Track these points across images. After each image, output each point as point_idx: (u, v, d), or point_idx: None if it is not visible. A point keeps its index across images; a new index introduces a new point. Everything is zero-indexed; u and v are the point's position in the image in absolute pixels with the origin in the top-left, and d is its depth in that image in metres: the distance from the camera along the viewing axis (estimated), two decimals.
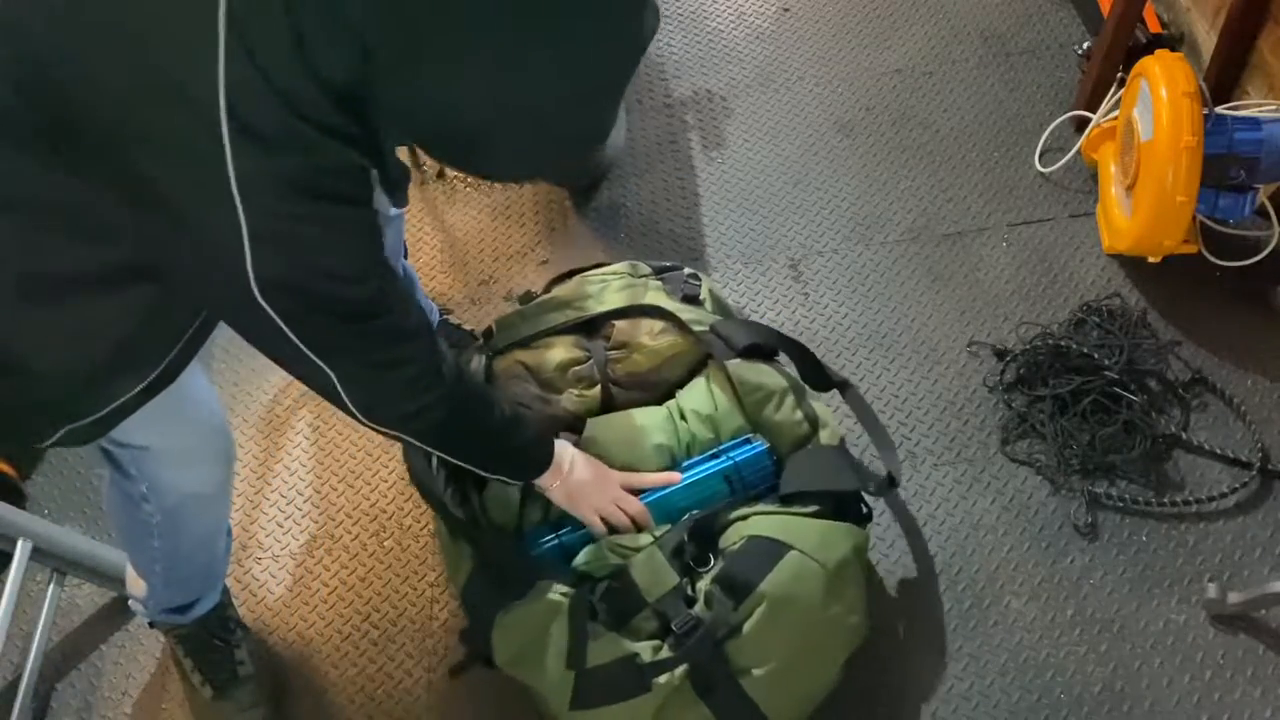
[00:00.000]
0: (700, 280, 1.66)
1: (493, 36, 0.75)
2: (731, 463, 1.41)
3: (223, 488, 1.38)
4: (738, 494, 1.41)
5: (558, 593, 1.32)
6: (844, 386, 1.58)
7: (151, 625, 1.59)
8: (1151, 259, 1.81)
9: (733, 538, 1.33)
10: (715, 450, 1.44)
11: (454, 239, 2.18)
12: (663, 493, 1.40)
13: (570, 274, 1.72)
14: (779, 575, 1.28)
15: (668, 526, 1.36)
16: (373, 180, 0.91)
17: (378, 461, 1.87)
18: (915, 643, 1.55)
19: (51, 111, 0.80)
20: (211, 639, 1.56)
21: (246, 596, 1.74)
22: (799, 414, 1.43)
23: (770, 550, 1.30)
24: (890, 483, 1.50)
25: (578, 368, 1.53)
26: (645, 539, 1.35)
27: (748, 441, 1.43)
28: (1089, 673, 1.50)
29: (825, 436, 1.42)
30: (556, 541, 1.39)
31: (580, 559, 1.36)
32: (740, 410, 1.47)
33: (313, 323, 0.93)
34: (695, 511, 1.37)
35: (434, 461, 1.44)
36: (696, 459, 1.43)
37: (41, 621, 1.60)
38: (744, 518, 1.35)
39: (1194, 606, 1.54)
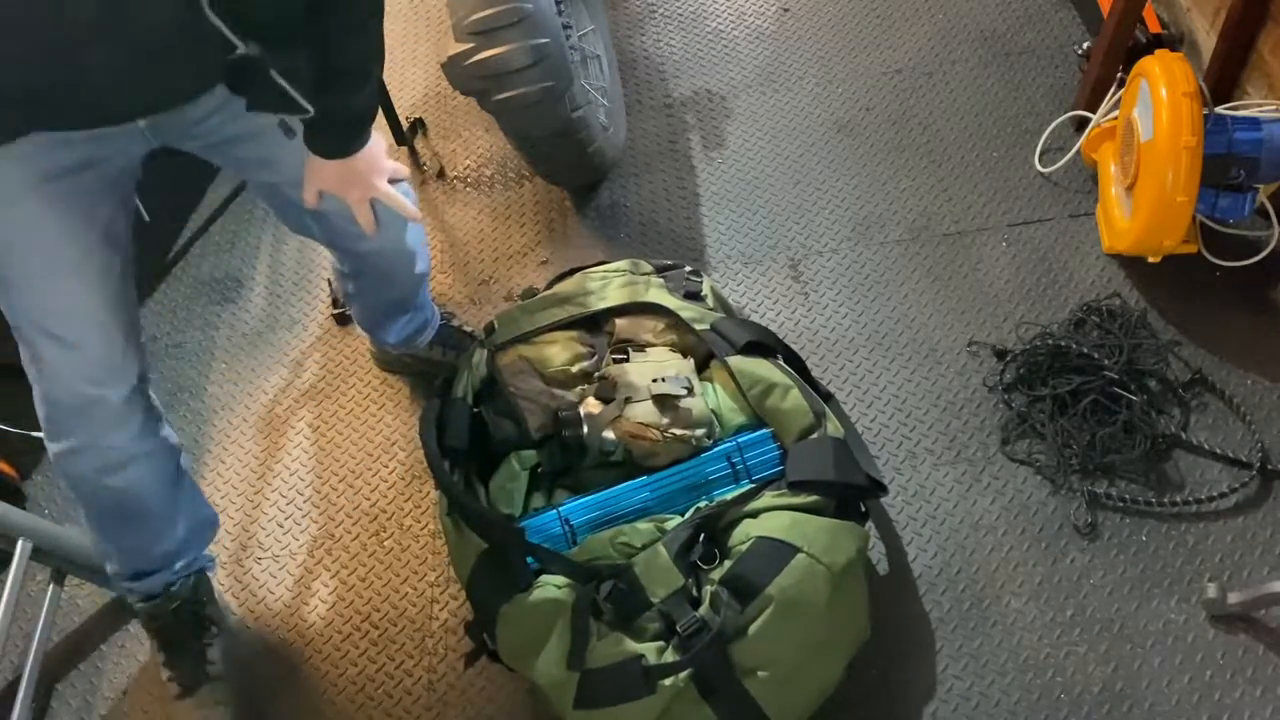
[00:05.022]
0: (701, 277, 1.67)
1: None
2: (734, 443, 1.41)
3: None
4: (740, 476, 1.41)
5: (562, 589, 1.32)
6: (828, 398, 1.58)
7: (134, 614, 1.58)
8: (1151, 259, 1.81)
9: (740, 537, 1.33)
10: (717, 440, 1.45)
11: (454, 239, 2.18)
12: (666, 473, 1.40)
13: (571, 272, 1.72)
14: (786, 578, 1.28)
15: (677, 519, 1.36)
16: None
17: (378, 461, 1.87)
18: (915, 643, 1.55)
19: None
20: (185, 632, 1.56)
21: (246, 596, 1.74)
22: (804, 404, 1.43)
23: (778, 553, 1.29)
24: (879, 487, 1.49)
25: (583, 363, 1.53)
26: (650, 536, 1.34)
27: (751, 429, 1.44)
28: (1089, 673, 1.51)
29: (831, 429, 1.42)
30: (555, 514, 1.40)
31: (582, 552, 1.36)
32: (743, 405, 1.47)
33: None
34: (701, 505, 1.37)
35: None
36: None
37: (41, 621, 1.60)
38: (752, 514, 1.35)
39: (1194, 606, 1.54)
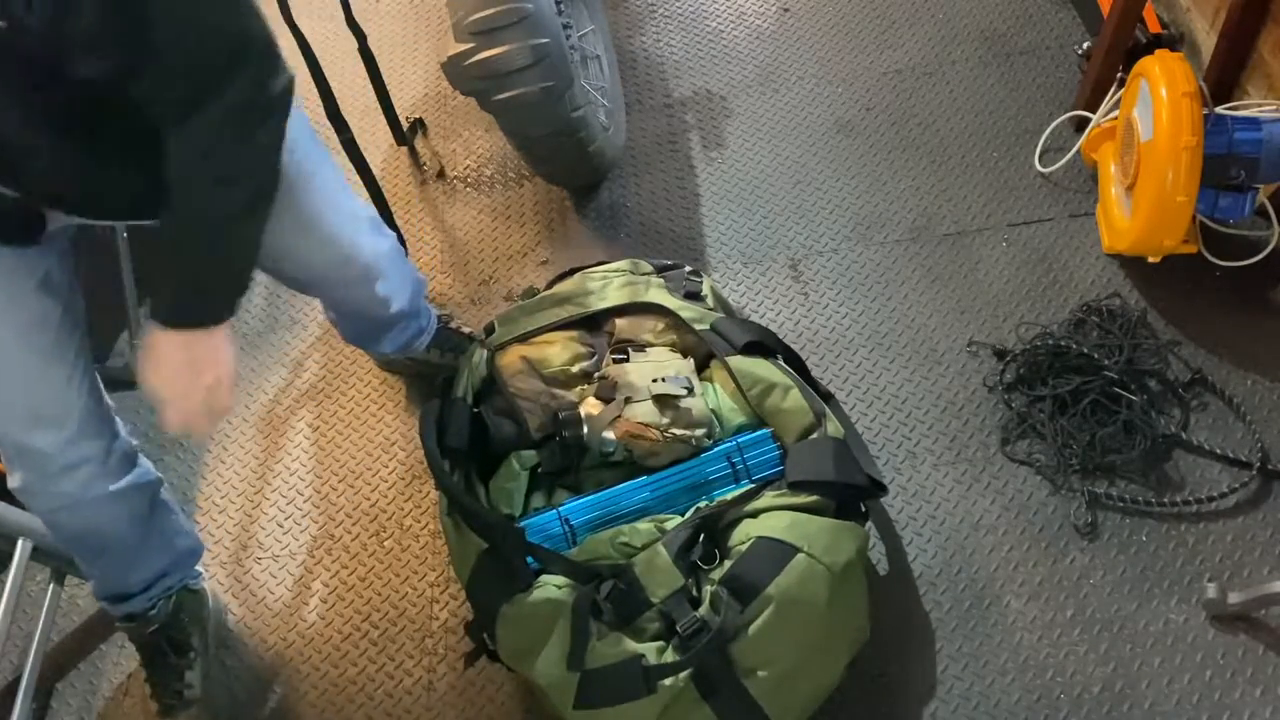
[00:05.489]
0: (701, 277, 1.67)
1: None
2: (734, 443, 1.41)
3: None
4: (740, 476, 1.41)
5: (562, 589, 1.32)
6: (828, 398, 1.58)
7: (118, 627, 1.58)
8: (1151, 259, 1.81)
9: (740, 537, 1.33)
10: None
11: (454, 239, 2.18)
12: (666, 473, 1.40)
13: (571, 272, 1.72)
14: (786, 578, 1.28)
15: (677, 519, 1.36)
16: None
17: (378, 461, 1.87)
18: (915, 643, 1.55)
19: None
20: (163, 654, 1.55)
21: (246, 596, 1.74)
22: (804, 403, 1.43)
23: (778, 553, 1.29)
24: (879, 487, 1.49)
25: (583, 363, 1.53)
26: (650, 536, 1.34)
27: (751, 429, 1.44)
28: (1089, 673, 1.51)
29: (831, 429, 1.42)
30: (555, 514, 1.40)
31: (582, 553, 1.36)
32: (743, 405, 1.47)
33: None
34: (701, 505, 1.37)
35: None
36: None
37: (41, 621, 1.60)
38: (752, 514, 1.35)
39: (1194, 606, 1.54)
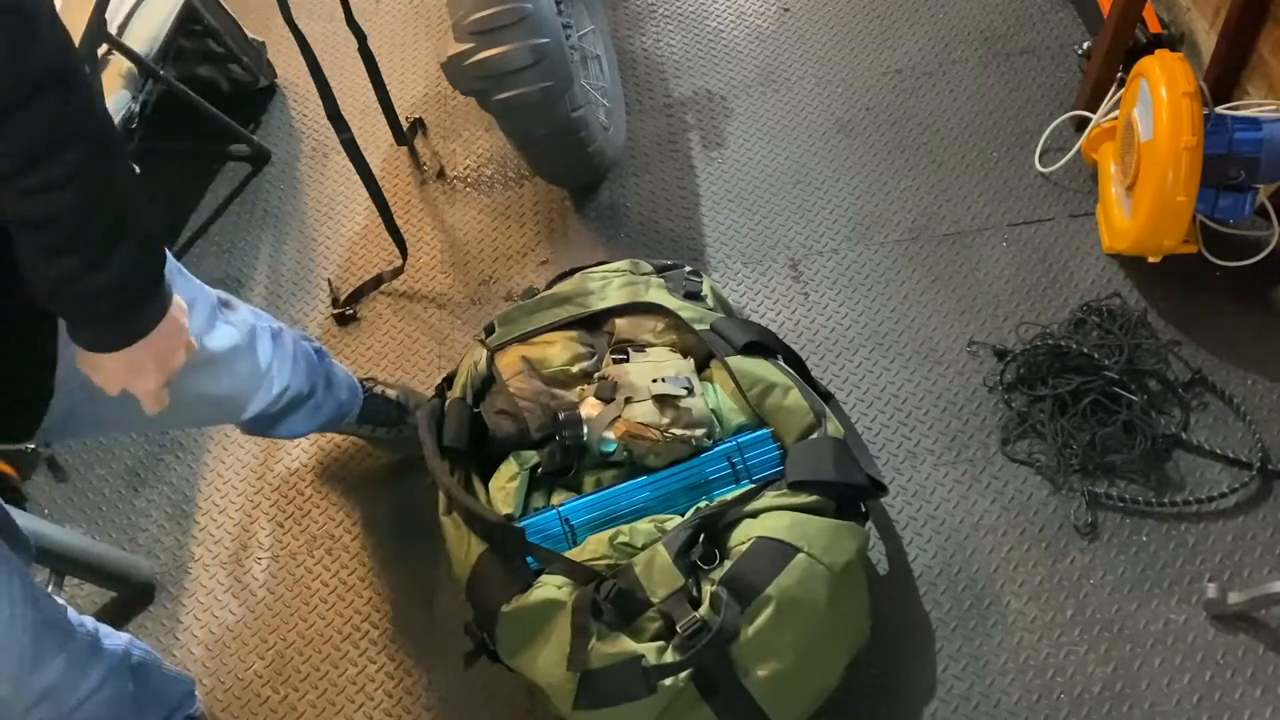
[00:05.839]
0: (701, 277, 1.67)
1: None
2: (734, 443, 1.41)
3: None
4: (740, 476, 1.41)
5: (562, 589, 1.32)
6: (828, 398, 1.58)
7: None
8: (1151, 259, 1.81)
9: (740, 538, 1.33)
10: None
11: (454, 239, 2.18)
12: (666, 473, 1.40)
13: (571, 272, 1.72)
14: (786, 578, 1.28)
15: (678, 519, 1.36)
16: None
17: (377, 461, 1.87)
18: (915, 643, 1.56)
19: None
20: None
21: (246, 596, 1.75)
22: (804, 404, 1.43)
23: (778, 553, 1.29)
24: (879, 487, 1.49)
25: (583, 363, 1.53)
26: (650, 536, 1.34)
27: (751, 429, 1.44)
28: (1089, 673, 1.51)
29: (831, 429, 1.42)
30: (555, 514, 1.40)
31: (582, 552, 1.36)
32: (743, 405, 1.47)
33: None
34: (701, 505, 1.37)
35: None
36: None
37: None
38: (752, 514, 1.35)
39: (1194, 606, 1.54)
